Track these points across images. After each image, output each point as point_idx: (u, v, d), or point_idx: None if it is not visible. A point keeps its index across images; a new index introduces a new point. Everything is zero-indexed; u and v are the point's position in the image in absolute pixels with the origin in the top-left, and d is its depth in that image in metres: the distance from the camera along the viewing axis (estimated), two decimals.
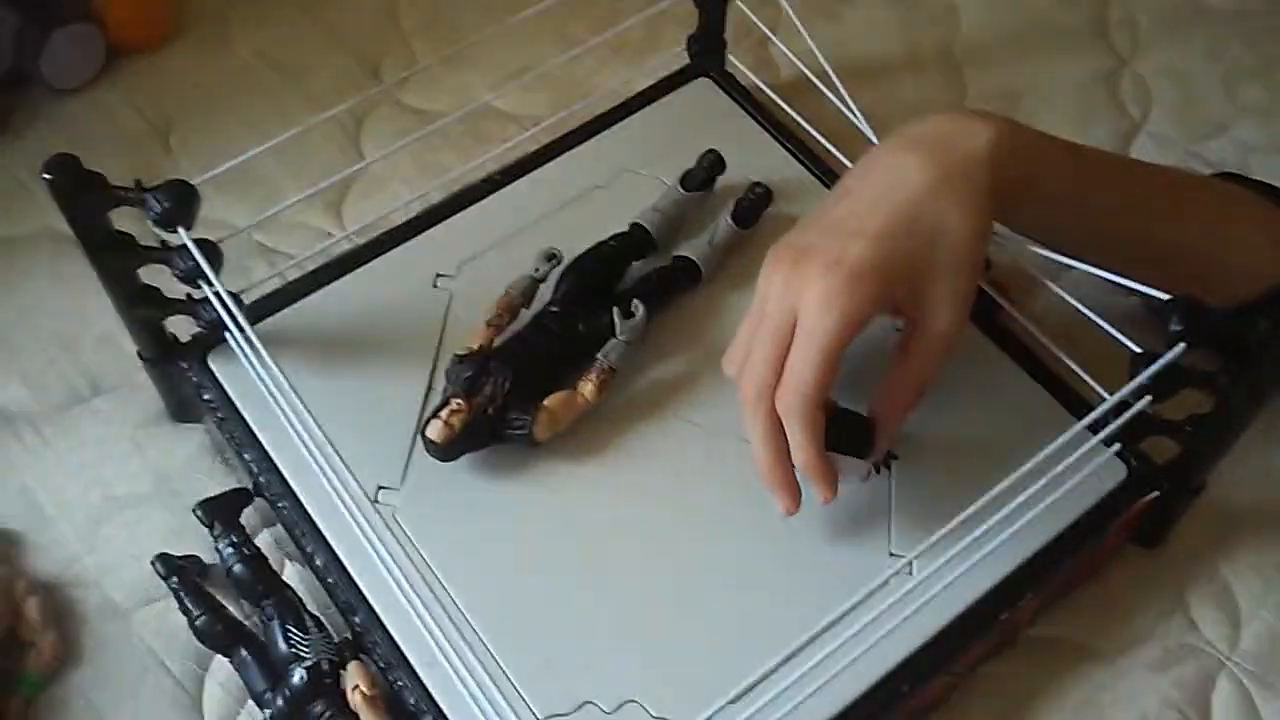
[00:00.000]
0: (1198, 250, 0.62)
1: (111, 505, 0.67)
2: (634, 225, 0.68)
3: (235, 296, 0.61)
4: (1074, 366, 0.62)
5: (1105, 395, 0.56)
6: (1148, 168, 0.65)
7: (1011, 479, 0.54)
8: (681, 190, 0.69)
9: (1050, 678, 0.62)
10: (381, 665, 0.56)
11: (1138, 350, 0.55)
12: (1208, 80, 0.86)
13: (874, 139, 0.69)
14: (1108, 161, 0.63)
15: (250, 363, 0.58)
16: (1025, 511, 0.55)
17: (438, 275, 0.68)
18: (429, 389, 0.64)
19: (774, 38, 0.75)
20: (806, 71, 0.71)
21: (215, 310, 0.59)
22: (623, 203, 0.70)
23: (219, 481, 0.67)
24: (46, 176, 0.54)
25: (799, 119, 0.74)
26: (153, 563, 0.62)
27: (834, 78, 0.70)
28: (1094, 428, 0.56)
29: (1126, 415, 0.56)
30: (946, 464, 0.62)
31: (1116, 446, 0.59)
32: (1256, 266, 0.62)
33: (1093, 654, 0.63)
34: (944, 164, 0.55)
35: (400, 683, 0.55)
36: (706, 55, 0.76)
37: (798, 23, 0.71)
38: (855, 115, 0.69)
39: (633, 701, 0.55)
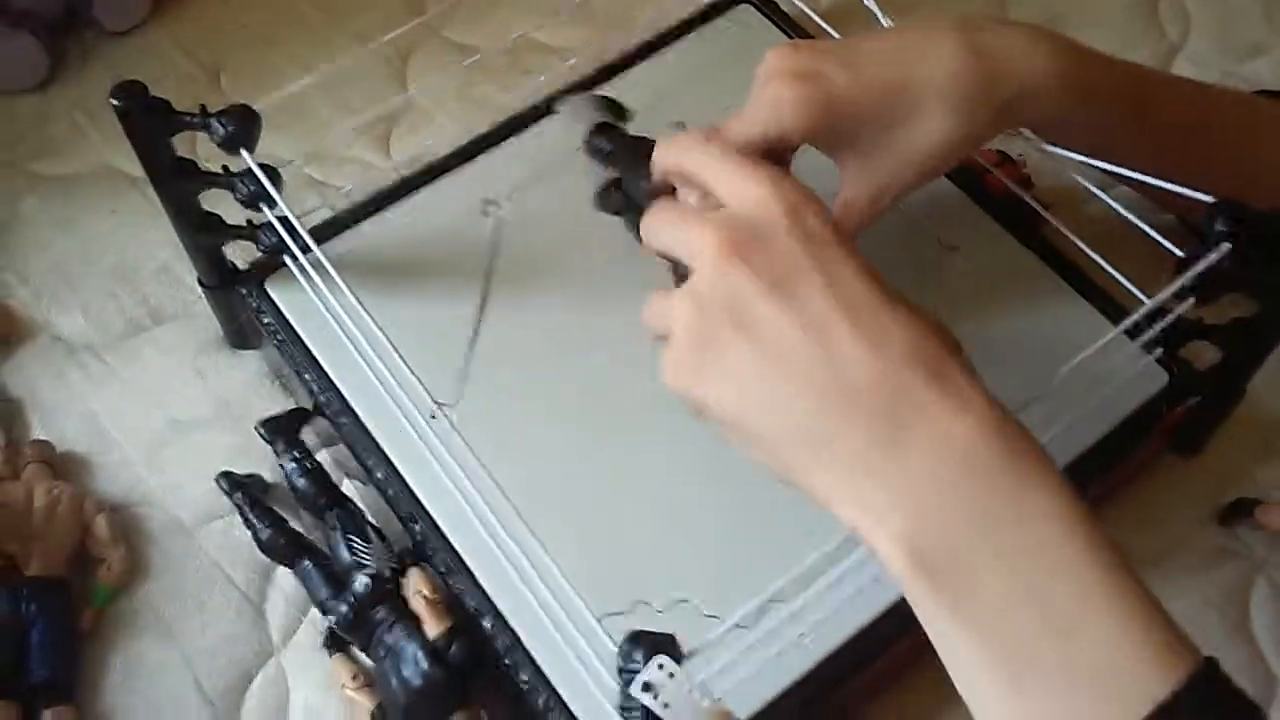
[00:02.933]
0: (1233, 164, 0.62)
1: (174, 429, 0.69)
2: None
3: (298, 219, 0.63)
4: (1115, 274, 0.62)
5: (1145, 300, 0.57)
6: (1190, 84, 0.65)
7: (1049, 386, 0.55)
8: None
9: None
10: (441, 571, 0.58)
11: (1179, 254, 0.55)
12: (1246, 3, 0.86)
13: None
14: (1153, 78, 0.62)
15: (312, 284, 0.60)
16: (1063, 416, 0.56)
17: (485, 201, 0.69)
18: (481, 311, 0.65)
19: None
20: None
21: (275, 235, 0.60)
22: (664, 130, 0.71)
23: (277, 404, 0.69)
24: (114, 102, 0.55)
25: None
26: (217, 480, 0.65)
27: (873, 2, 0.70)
28: (1133, 334, 0.57)
29: (1168, 319, 0.57)
30: (986, 372, 0.63)
31: (1158, 352, 0.60)
32: None
33: (1133, 558, 0.63)
34: (970, 63, 0.53)
35: (459, 587, 0.57)
36: None
37: None
38: None
39: (684, 601, 0.56)
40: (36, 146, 0.80)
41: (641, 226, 0.51)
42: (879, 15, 0.69)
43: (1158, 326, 0.56)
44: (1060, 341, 0.60)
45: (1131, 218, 0.59)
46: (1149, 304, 0.56)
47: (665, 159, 0.52)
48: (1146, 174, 0.57)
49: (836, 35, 0.72)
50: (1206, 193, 0.55)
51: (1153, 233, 0.56)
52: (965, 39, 0.53)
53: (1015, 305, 0.65)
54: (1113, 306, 0.64)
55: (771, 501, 0.59)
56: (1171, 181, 0.57)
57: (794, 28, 0.75)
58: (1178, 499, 0.65)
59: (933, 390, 0.43)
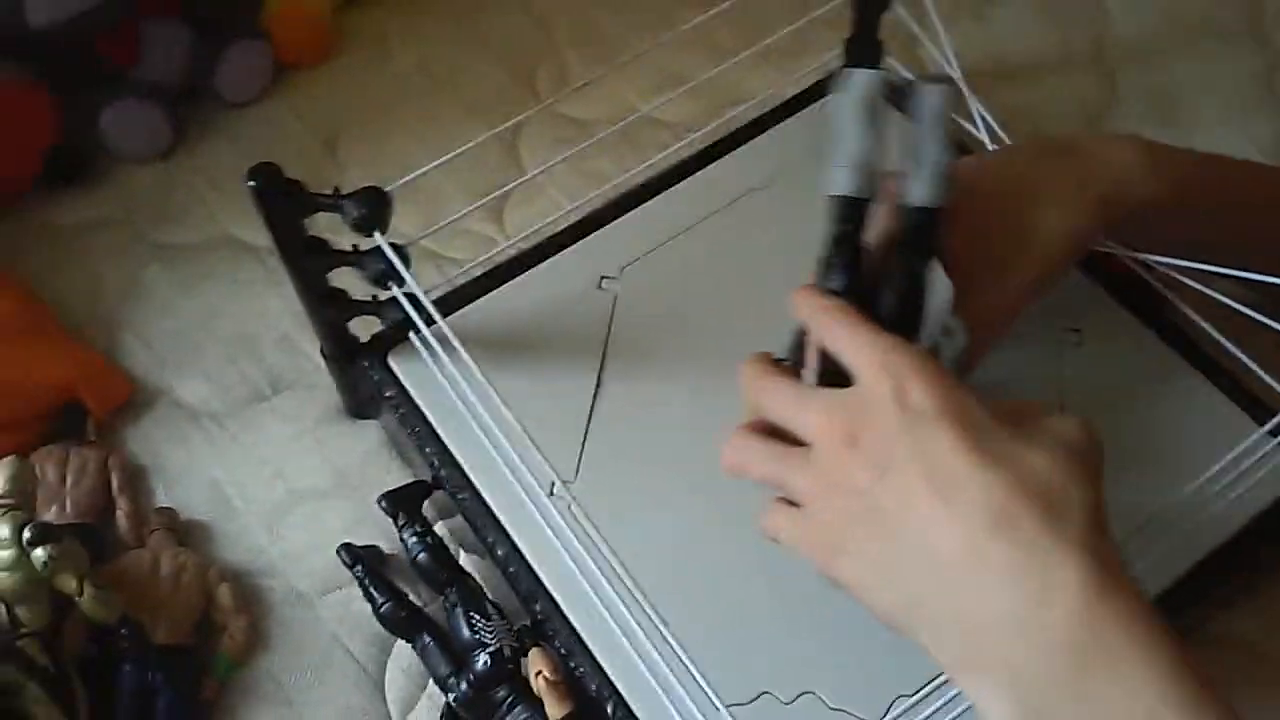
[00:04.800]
0: None
1: (294, 498, 0.70)
2: (836, 202, 0.54)
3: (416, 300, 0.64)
4: (1249, 363, 0.61)
5: None
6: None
7: (1192, 487, 0.54)
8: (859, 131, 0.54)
9: (1226, 678, 0.61)
10: (562, 652, 0.58)
11: None
12: None
13: (1006, 140, 0.70)
14: (1240, 169, 0.63)
15: (436, 358, 0.60)
16: (1200, 512, 0.55)
17: (602, 277, 0.70)
18: (598, 386, 0.66)
19: (923, 38, 0.75)
20: (950, 70, 0.72)
21: (400, 310, 0.61)
22: (782, 203, 0.71)
23: (395, 476, 0.70)
24: (251, 184, 0.57)
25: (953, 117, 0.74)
26: (338, 551, 0.65)
27: (961, 82, 0.70)
28: (1274, 430, 0.56)
29: None
30: (1118, 466, 0.62)
31: None
32: None
33: (1269, 655, 0.62)
34: (1064, 161, 0.58)
35: (581, 669, 0.57)
36: (863, 57, 0.76)
37: (938, 24, 0.72)
38: (987, 119, 0.70)
39: (810, 693, 0.56)
40: (159, 215, 0.82)
41: (745, 381, 0.53)
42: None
43: None
44: (1191, 431, 0.60)
45: (1255, 315, 0.58)
46: None
47: (801, 312, 0.53)
48: (1254, 270, 0.57)
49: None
50: None
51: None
52: (1060, 144, 0.58)
53: (1142, 393, 0.64)
54: (1244, 395, 0.62)
55: None
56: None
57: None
58: None
59: (1024, 553, 0.43)
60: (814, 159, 0.72)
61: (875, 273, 0.53)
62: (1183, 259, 0.59)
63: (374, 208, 0.58)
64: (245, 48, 0.86)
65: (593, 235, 0.72)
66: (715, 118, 0.76)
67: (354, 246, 0.61)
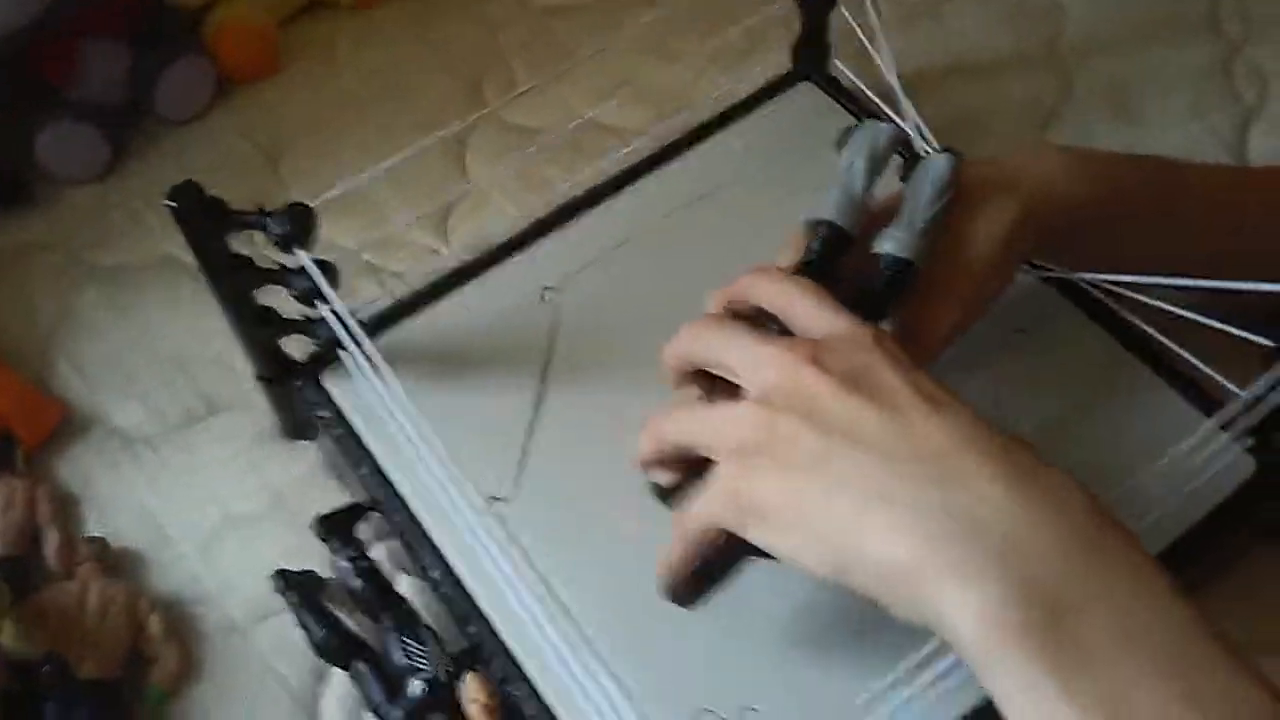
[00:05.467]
0: None
1: (228, 523, 0.68)
2: (826, 226, 0.54)
3: (352, 314, 0.62)
4: (1204, 368, 0.60)
5: (1237, 391, 0.54)
6: (1229, 172, 0.65)
7: (1141, 480, 0.52)
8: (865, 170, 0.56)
9: None
10: (498, 677, 0.56)
11: (1272, 344, 0.53)
12: None
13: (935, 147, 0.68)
14: (1184, 172, 0.61)
15: (367, 378, 0.59)
16: (1149, 511, 0.53)
17: (544, 288, 0.68)
18: (539, 400, 0.63)
19: (866, 43, 0.73)
20: (890, 79, 0.70)
21: (330, 329, 0.59)
22: (728, 210, 0.69)
23: (332, 497, 0.68)
24: (169, 204, 0.55)
25: (898, 119, 0.72)
26: (271, 578, 0.63)
27: (898, 89, 0.69)
28: (1220, 422, 0.54)
29: (1260, 411, 0.54)
30: (1061, 461, 0.60)
31: (1248, 442, 0.57)
32: None
33: None
34: (986, 172, 0.56)
35: (517, 694, 0.55)
36: (810, 59, 0.75)
37: (870, 37, 0.70)
38: (922, 127, 0.68)
39: (752, 709, 0.54)
40: (96, 236, 0.80)
41: (688, 334, 0.51)
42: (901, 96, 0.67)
43: (1249, 419, 0.54)
44: (1138, 426, 0.58)
45: (1199, 318, 0.56)
46: (1244, 396, 0.53)
47: (747, 289, 0.52)
48: (1196, 275, 0.55)
49: (891, 114, 0.70)
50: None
51: (1231, 329, 0.54)
52: (985, 160, 0.57)
53: (1089, 389, 0.62)
54: (1195, 391, 0.61)
55: (842, 608, 0.56)
56: (1232, 268, 0.55)
57: (854, 104, 0.73)
58: (1274, 591, 0.62)
59: (1016, 454, 0.42)
60: (761, 164, 0.71)
61: None
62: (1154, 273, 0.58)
63: (298, 224, 0.56)
64: (186, 64, 0.84)
65: (535, 245, 0.70)
66: (664, 121, 0.74)
67: (280, 264, 0.59)
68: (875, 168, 0.55)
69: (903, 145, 0.56)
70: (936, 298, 0.54)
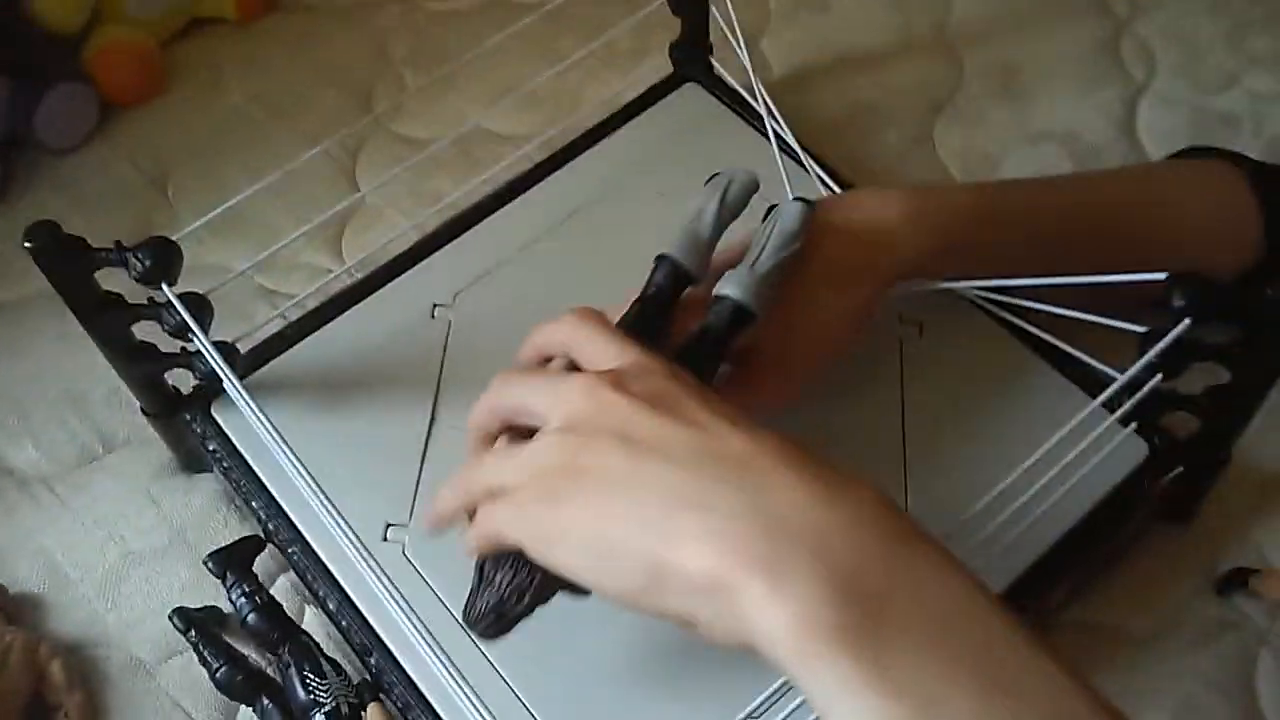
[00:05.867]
0: (1151, 242, 0.63)
1: (130, 561, 0.67)
2: (668, 262, 0.54)
3: (228, 346, 0.61)
4: (1079, 355, 0.60)
5: (1115, 374, 0.55)
6: (1078, 182, 0.66)
7: (1029, 463, 0.53)
8: (714, 214, 0.56)
9: (1086, 663, 0.60)
10: (400, 705, 0.55)
11: (1141, 330, 0.53)
12: (1212, 35, 0.84)
13: (804, 158, 0.69)
14: (1027, 197, 0.62)
15: (249, 411, 0.58)
16: (1047, 496, 0.54)
17: (435, 305, 0.67)
18: (432, 419, 0.63)
19: (736, 44, 0.73)
20: (754, 81, 0.70)
21: (208, 362, 0.58)
22: (616, 217, 0.69)
23: (234, 530, 0.67)
24: (27, 245, 0.54)
25: (779, 118, 0.72)
26: (170, 617, 0.62)
27: (763, 94, 0.69)
28: (1109, 406, 0.55)
29: (1140, 393, 0.54)
30: (961, 453, 0.60)
31: (1134, 425, 0.58)
32: (1215, 235, 0.64)
33: (1128, 637, 0.61)
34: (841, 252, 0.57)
35: None
36: (691, 62, 0.75)
37: (736, 37, 0.70)
38: (784, 133, 0.69)
39: None
40: None
41: (490, 393, 0.49)
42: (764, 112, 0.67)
43: (1132, 400, 0.54)
44: (1034, 416, 0.58)
45: (1071, 313, 0.57)
46: (1122, 377, 0.54)
47: (539, 342, 0.51)
48: (1066, 268, 0.56)
49: (776, 112, 0.70)
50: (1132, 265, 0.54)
51: (1103, 319, 0.55)
52: (826, 220, 0.57)
53: (986, 381, 0.62)
54: (1088, 378, 0.61)
55: None
56: (1098, 264, 0.56)
57: (740, 104, 0.73)
58: (1173, 571, 0.63)
59: (820, 464, 0.42)
60: (648, 169, 0.71)
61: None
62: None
63: (159, 259, 0.55)
64: (65, 92, 0.82)
65: (424, 261, 0.69)
66: (554, 127, 0.74)
67: (150, 299, 0.58)
68: (724, 213, 0.55)
69: (754, 191, 0.56)
70: (775, 371, 0.55)
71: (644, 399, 0.43)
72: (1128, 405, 0.55)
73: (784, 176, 0.68)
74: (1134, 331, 0.53)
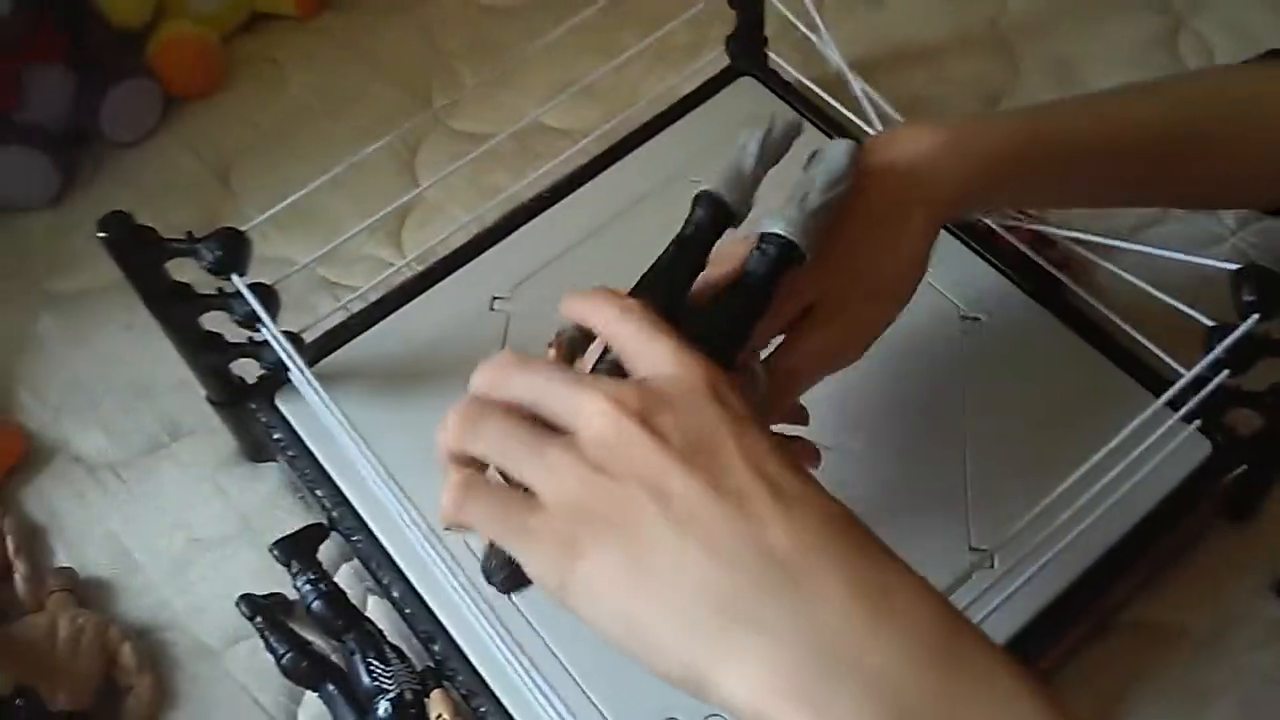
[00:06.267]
0: (1231, 158, 0.58)
1: (197, 547, 0.68)
2: (708, 197, 0.50)
3: (294, 336, 0.62)
4: (1146, 343, 0.60)
5: (1181, 371, 0.55)
6: (1135, 96, 0.59)
7: (1092, 462, 0.53)
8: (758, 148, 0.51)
9: (1148, 661, 0.60)
10: (464, 693, 0.56)
11: (1210, 324, 0.53)
12: (1270, 30, 0.84)
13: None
14: (1079, 113, 0.57)
15: (314, 399, 0.59)
16: (1108, 495, 0.54)
17: (494, 298, 0.68)
18: None
19: (810, 34, 0.73)
20: (841, 64, 0.70)
21: (275, 351, 0.59)
22: (674, 210, 0.69)
23: (299, 517, 0.68)
24: (101, 235, 0.55)
25: (842, 109, 0.72)
26: (237, 603, 0.63)
27: (847, 71, 0.69)
28: (1174, 404, 0.55)
29: (1205, 390, 0.54)
30: (1023, 450, 0.61)
31: (1198, 422, 0.58)
32: None
33: (1189, 635, 0.61)
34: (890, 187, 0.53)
35: (483, 708, 0.56)
36: (746, 55, 0.75)
37: (811, 26, 0.70)
38: (878, 105, 0.68)
39: (715, 715, 0.54)
40: (51, 263, 0.80)
41: (491, 371, 0.44)
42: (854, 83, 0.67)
43: (1196, 398, 0.54)
44: (1096, 413, 0.58)
45: (1149, 289, 0.57)
46: (1187, 375, 0.54)
47: (577, 310, 0.47)
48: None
49: (836, 103, 0.70)
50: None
51: (1176, 303, 0.54)
52: (879, 167, 0.53)
53: (1045, 376, 0.62)
54: (1147, 374, 0.61)
55: None
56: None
57: (795, 97, 0.73)
58: (1234, 571, 0.62)
59: (865, 558, 0.39)
60: (704, 162, 0.71)
61: (703, 297, 0.49)
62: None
63: (230, 249, 0.56)
64: (130, 87, 0.84)
65: (484, 255, 0.70)
66: (610, 121, 0.74)
67: (219, 289, 0.59)
68: (769, 149, 0.51)
69: (797, 134, 0.52)
70: (837, 326, 0.53)
71: (680, 446, 0.39)
72: (1192, 403, 0.55)
73: None
74: (1202, 323, 0.53)
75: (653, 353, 0.42)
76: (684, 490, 0.39)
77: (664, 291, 0.48)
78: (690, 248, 0.49)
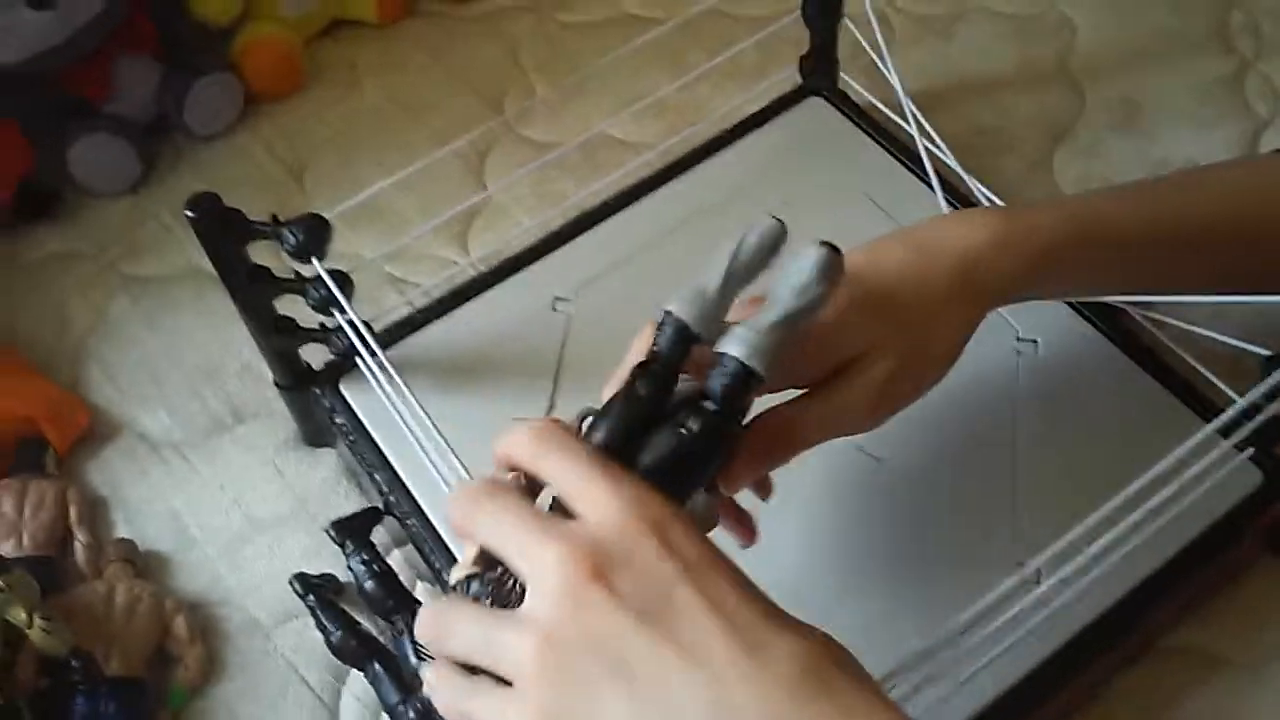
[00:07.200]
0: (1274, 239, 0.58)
1: (253, 527, 0.70)
2: (671, 320, 0.46)
3: (366, 324, 0.64)
4: (1202, 370, 0.61)
5: (1235, 398, 0.55)
6: (1179, 185, 0.60)
7: (1140, 483, 0.53)
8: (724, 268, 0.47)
9: (1187, 687, 0.60)
10: None
11: (1266, 354, 0.54)
12: None
13: (955, 165, 0.69)
14: (1122, 206, 0.57)
15: (381, 386, 0.60)
16: (1155, 518, 0.54)
17: (556, 299, 0.69)
18: (550, 408, 0.65)
19: (879, 60, 0.74)
20: (901, 91, 0.71)
21: (347, 338, 0.61)
22: (736, 223, 0.70)
23: (353, 502, 0.70)
24: (189, 214, 0.57)
25: (914, 133, 0.74)
26: (290, 581, 0.65)
27: (906, 101, 0.70)
28: (1225, 432, 0.55)
29: (1259, 419, 0.55)
30: (1072, 470, 0.61)
31: (1250, 451, 0.58)
32: None
33: (1229, 664, 0.61)
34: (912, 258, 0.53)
35: None
36: (819, 75, 0.76)
37: (879, 53, 0.71)
38: (936, 144, 0.69)
39: None
40: (128, 248, 0.83)
41: (462, 502, 0.43)
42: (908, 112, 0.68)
43: (1250, 426, 0.54)
44: (1147, 438, 0.58)
45: (1197, 329, 0.57)
46: (1240, 403, 0.54)
47: (515, 451, 0.44)
48: (1184, 282, 0.56)
49: (902, 122, 0.71)
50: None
51: (1227, 338, 0.55)
52: (913, 242, 0.53)
53: (1098, 400, 0.63)
54: (1201, 402, 0.61)
55: (845, 612, 0.58)
56: (1220, 274, 0.56)
57: (864, 119, 0.75)
58: (1277, 602, 0.62)
59: (836, 704, 0.38)
60: (770, 178, 0.73)
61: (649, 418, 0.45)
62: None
63: (313, 234, 0.58)
64: (214, 81, 0.86)
65: (548, 257, 0.72)
66: (677, 136, 0.76)
67: (297, 274, 0.61)
68: (737, 267, 0.47)
69: (777, 244, 0.47)
70: (872, 395, 0.51)
71: (633, 605, 0.38)
72: (1244, 431, 0.55)
73: (937, 188, 0.69)
74: (1257, 354, 0.53)
75: (592, 494, 0.41)
76: (644, 656, 0.38)
77: (624, 421, 0.45)
78: (654, 375, 0.45)
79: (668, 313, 0.46)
